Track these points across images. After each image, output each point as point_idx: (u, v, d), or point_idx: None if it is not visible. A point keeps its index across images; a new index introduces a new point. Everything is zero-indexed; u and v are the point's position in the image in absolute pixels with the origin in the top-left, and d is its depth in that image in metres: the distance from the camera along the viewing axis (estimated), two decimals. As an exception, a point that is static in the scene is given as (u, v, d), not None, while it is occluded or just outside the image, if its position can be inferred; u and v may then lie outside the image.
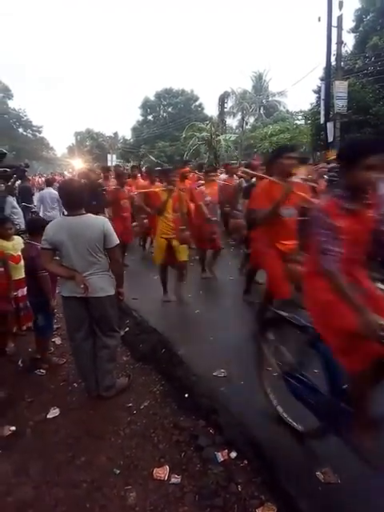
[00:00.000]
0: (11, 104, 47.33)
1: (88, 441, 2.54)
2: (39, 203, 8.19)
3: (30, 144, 47.13)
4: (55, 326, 4.38)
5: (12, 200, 6.33)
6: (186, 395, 2.93)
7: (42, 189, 9.82)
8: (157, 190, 4.90)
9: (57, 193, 7.64)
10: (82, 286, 2.66)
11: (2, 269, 3.55)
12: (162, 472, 2.23)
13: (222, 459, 2.28)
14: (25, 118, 48.05)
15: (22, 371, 3.46)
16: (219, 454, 2.31)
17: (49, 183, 8.95)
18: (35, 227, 3.44)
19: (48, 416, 2.82)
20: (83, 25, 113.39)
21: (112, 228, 2.84)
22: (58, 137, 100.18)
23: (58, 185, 9.67)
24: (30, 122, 48.65)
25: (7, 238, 3.84)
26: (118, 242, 2.91)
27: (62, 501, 2.09)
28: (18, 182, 7.62)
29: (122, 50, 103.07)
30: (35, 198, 8.89)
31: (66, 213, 2.86)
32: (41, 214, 7.85)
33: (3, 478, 2.26)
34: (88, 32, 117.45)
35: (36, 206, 8.49)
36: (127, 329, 4.19)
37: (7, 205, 5.91)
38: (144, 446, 2.46)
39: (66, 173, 25.21)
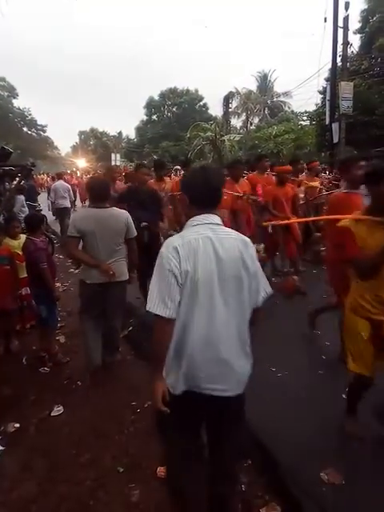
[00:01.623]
0: (16, 103, 47.51)
1: (92, 439, 2.55)
2: (53, 193, 9.66)
3: (35, 143, 47.15)
4: (59, 325, 4.40)
5: (22, 199, 6.36)
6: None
7: (50, 186, 12.16)
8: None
9: (67, 185, 10.03)
10: (111, 272, 2.98)
11: (9, 267, 3.58)
12: (165, 471, 2.22)
13: (225, 459, 2.27)
14: (29, 116, 48.10)
15: (26, 369, 3.47)
16: (223, 453, 2.30)
17: (59, 176, 11.05)
18: (34, 223, 3.48)
19: (52, 414, 2.83)
20: (88, 23, 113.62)
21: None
22: (62, 136, 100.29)
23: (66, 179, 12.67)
24: (35, 120, 48.69)
25: (14, 236, 3.87)
26: (136, 233, 3.28)
27: (66, 498, 2.09)
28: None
29: (126, 48, 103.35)
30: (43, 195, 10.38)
31: (87, 205, 3.28)
32: (54, 202, 9.51)
33: (8, 474, 2.28)
34: (92, 30, 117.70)
35: (50, 196, 9.99)
36: (130, 328, 4.20)
37: (17, 203, 5.92)
38: (148, 445, 2.46)
39: (72, 171, 25.73)
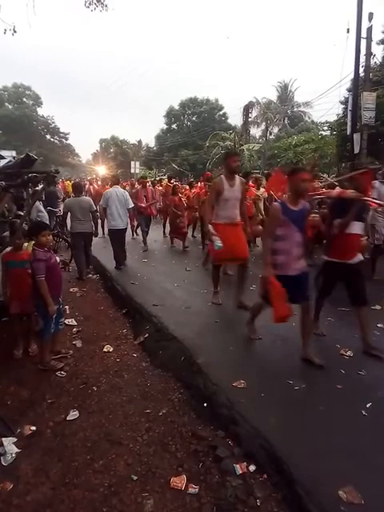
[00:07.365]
0: (40, 111, 48.89)
1: (106, 445, 2.55)
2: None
3: (57, 150, 48.30)
4: (76, 329, 4.45)
5: (38, 204, 6.60)
6: (205, 404, 2.90)
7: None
8: None
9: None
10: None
11: (30, 270, 3.63)
12: (179, 481, 2.21)
13: (240, 472, 2.23)
14: (52, 124, 49.35)
15: (44, 372, 3.51)
16: (238, 466, 2.27)
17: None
18: (32, 231, 3.52)
19: (68, 418, 2.84)
20: (109, 34, 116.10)
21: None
22: (84, 143, 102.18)
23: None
24: (58, 128, 49.89)
25: (17, 249, 3.94)
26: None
27: (80, 503, 2.09)
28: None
29: (147, 58, 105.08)
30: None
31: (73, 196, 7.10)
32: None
33: (23, 476, 2.29)
34: (112, 41, 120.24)
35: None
36: (147, 335, 4.20)
37: (33, 209, 6.10)
38: (162, 454, 2.44)
39: (93, 178, 26.65)
